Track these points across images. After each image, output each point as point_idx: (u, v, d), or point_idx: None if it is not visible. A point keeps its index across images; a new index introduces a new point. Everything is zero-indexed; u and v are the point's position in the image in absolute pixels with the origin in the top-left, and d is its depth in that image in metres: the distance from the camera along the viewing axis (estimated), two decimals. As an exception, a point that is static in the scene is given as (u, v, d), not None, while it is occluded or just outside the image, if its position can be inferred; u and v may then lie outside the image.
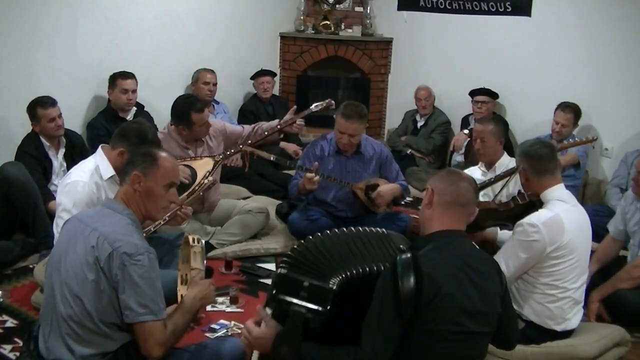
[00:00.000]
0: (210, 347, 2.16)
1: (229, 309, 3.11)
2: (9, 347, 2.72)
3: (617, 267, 3.16)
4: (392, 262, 1.78)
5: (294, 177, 3.93)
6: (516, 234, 2.57)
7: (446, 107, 5.86)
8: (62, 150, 3.97)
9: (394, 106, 6.46)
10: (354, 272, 1.84)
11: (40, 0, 4.07)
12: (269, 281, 3.43)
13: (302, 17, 6.30)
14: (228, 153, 3.80)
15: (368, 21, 6.32)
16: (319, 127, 6.10)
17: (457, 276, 1.81)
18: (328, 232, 1.92)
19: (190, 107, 3.68)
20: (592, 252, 2.84)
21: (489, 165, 3.63)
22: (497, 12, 5.54)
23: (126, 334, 1.99)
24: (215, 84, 5.10)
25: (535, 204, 2.68)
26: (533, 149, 2.70)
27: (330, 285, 1.78)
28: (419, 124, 5.79)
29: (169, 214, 2.85)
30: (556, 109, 4.67)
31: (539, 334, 2.57)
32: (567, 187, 2.76)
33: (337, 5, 6.40)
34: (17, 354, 2.57)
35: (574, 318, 2.63)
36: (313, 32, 6.30)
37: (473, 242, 2.02)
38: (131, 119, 4.38)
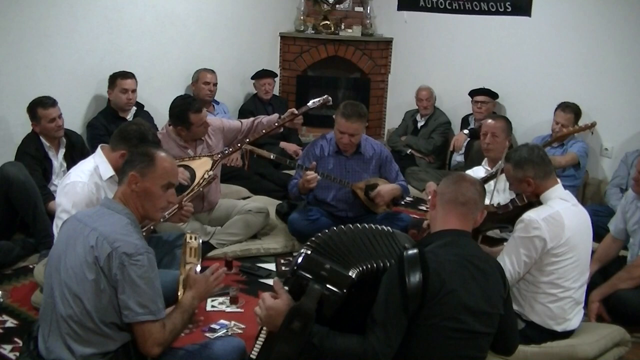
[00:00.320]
0: (210, 347, 2.16)
1: (229, 309, 3.11)
2: (9, 347, 2.72)
3: (617, 267, 3.16)
4: (398, 257, 1.81)
5: (293, 177, 3.93)
6: (517, 231, 2.57)
7: (446, 107, 5.86)
8: (62, 151, 3.97)
9: (394, 106, 6.46)
10: (370, 266, 1.88)
11: (40, 0, 4.07)
12: (269, 281, 3.43)
13: (302, 17, 6.30)
14: (226, 152, 3.79)
15: (368, 21, 6.32)
16: (319, 127, 6.10)
17: (461, 274, 1.84)
18: (335, 228, 1.97)
19: (188, 107, 3.67)
20: (593, 252, 2.84)
21: (494, 162, 3.63)
22: (497, 12, 5.54)
23: (126, 334, 1.99)
24: (215, 84, 5.10)
25: (534, 205, 2.68)
26: (534, 155, 2.65)
27: (350, 274, 1.84)
28: (419, 124, 5.79)
29: (168, 212, 2.85)
30: (556, 109, 4.67)
31: (540, 334, 2.57)
32: (567, 187, 2.76)
33: (337, 5, 6.40)
34: (17, 354, 2.57)
35: (574, 318, 2.63)
36: (313, 32, 6.30)
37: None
38: (131, 118, 4.38)
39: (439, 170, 5.49)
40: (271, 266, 3.68)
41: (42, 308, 2.06)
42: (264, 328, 1.93)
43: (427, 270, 1.76)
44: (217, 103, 5.28)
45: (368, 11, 6.32)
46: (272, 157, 3.78)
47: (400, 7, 6.23)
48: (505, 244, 2.69)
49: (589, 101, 4.83)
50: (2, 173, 3.54)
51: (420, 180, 5.23)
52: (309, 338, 1.76)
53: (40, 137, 3.84)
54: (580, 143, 4.60)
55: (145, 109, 4.69)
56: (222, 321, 2.98)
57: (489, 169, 3.64)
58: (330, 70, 6.50)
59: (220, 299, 3.17)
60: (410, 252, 1.80)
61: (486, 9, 5.60)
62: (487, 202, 3.09)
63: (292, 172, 4.73)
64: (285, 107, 5.74)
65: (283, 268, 3.67)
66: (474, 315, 1.83)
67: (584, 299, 2.72)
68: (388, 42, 6.39)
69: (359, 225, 2.03)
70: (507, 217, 2.78)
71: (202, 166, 3.62)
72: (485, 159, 3.81)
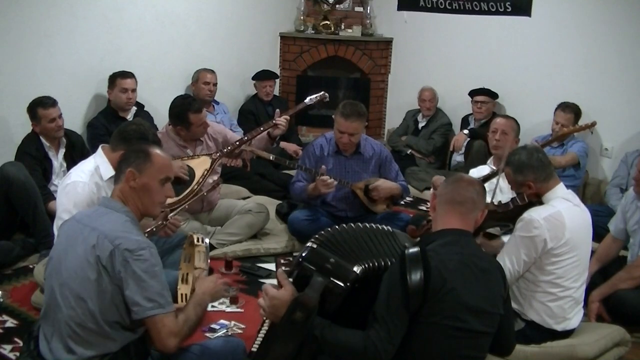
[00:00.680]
0: (210, 347, 2.16)
1: (229, 309, 3.11)
2: (9, 347, 2.72)
3: (617, 267, 3.16)
4: (400, 256, 1.81)
5: (295, 179, 3.93)
6: (517, 230, 2.57)
7: (446, 107, 5.86)
8: (62, 151, 3.97)
9: (394, 106, 6.46)
10: (373, 264, 1.89)
11: (40, 0, 4.07)
12: (269, 281, 3.43)
13: (302, 17, 6.30)
14: (225, 151, 3.79)
15: (368, 21, 6.32)
16: (319, 127, 6.11)
17: (463, 273, 1.85)
18: (337, 227, 2.00)
19: (188, 107, 3.68)
20: (593, 252, 2.84)
21: (500, 161, 3.61)
22: (497, 12, 5.54)
23: (129, 334, 1.99)
24: (215, 84, 5.10)
25: (535, 204, 2.68)
26: (534, 159, 2.64)
27: (355, 269, 1.85)
28: (420, 125, 5.79)
29: (155, 226, 2.84)
30: (556, 109, 4.68)
31: (539, 333, 2.57)
32: (567, 187, 2.75)
33: (337, 5, 6.40)
34: (17, 354, 2.57)
35: (574, 318, 2.62)
36: (313, 32, 6.30)
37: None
38: (131, 118, 4.38)
39: (439, 170, 5.48)
40: (271, 266, 3.68)
41: (44, 310, 2.06)
42: (266, 322, 1.93)
43: (429, 268, 1.78)
44: (217, 103, 5.28)
45: (368, 11, 6.32)
46: (271, 158, 3.78)
47: (400, 7, 6.23)
48: (505, 242, 2.69)
49: (589, 101, 4.83)
50: (2, 173, 3.54)
51: (420, 180, 5.23)
52: (310, 330, 1.77)
53: (40, 137, 3.84)
54: (580, 143, 4.60)
55: (145, 109, 4.69)
56: (222, 321, 2.98)
57: (495, 168, 3.61)
58: (330, 70, 6.50)
59: (220, 299, 3.17)
60: (411, 250, 1.82)
61: (486, 9, 5.61)
62: (488, 200, 3.10)
63: (292, 172, 4.74)
64: (285, 107, 5.75)
65: (283, 268, 3.67)
66: (475, 315, 1.83)
67: (584, 298, 2.72)
68: (388, 42, 6.39)
69: (360, 224, 2.05)
70: (507, 215, 2.78)
71: (200, 165, 3.62)
72: (491, 157, 3.80)
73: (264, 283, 3.39)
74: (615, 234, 3.31)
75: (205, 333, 2.84)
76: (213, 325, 2.92)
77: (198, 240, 2.24)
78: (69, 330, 1.95)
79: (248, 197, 4.60)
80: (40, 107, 3.75)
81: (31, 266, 3.46)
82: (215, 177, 3.82)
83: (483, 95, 5.34)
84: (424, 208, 4.87)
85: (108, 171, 2.85)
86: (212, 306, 3.11)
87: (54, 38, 4.19)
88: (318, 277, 1.82)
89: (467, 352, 1.86)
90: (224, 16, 5.58)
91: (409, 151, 5.67)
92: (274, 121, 3.91)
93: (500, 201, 2.94)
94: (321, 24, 6.27)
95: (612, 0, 4.84)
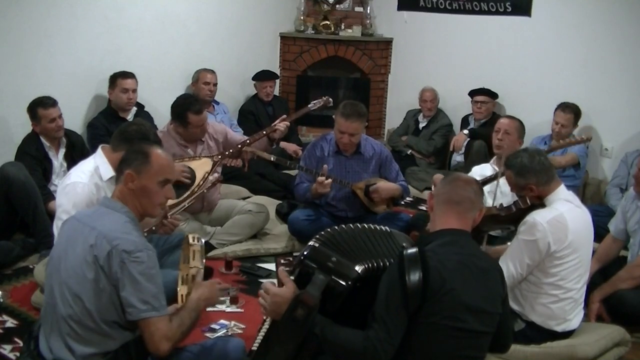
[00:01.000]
0: (210, 347, 2.16)
1: (229, 309, 3.11)
2: (9, 347, 2.71)
3: (617, 268, 3.16)
4: (398, 256, 1.81)
5: (297, 180, 3.93)
6: (520, 233, 2.56)
7: (446, 107, 5.86)
8: (62, 151, 3.97)
9: (394, 106, 6.46)
10: (374, 264, 1.89)
11: (40, 0, 4.07)
12: (268, 281, 3.43)
13: (302, 17, 6.30)
14: (227, 153, 3.80)
15: (368, 21, 6.32)
16: (319, 127, 6.11)
17: (461, 273, 1.84)
18: (336, 227, 2.00)
19: (189, 106, 3.69)
20: (593, 252, 2.84)
21: (501, 163, 3.60)
22: (497, 12, 5.54)
23: (128, 333, 1.99)
24: (215, 84, 5.10)
25: (537, 207, 2.67)
26: (535, 162, 2.63)
27: (357, 268, 1.85)
28: (421, 125, 5.79)
29: (155, 225, 2.83)
30: (556, 109, 4.68)
31: (539, 334, 2.57)
32: (567, 187, 2.75)
33: (337, 5, 6.40)
34: (17, 354, 2.57)
35: (575, 319, 2.62)
36: (313, 32, 6.30)
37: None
38: (131, 119, 4.38)
39: (439, 170, 5.47)
40: (271, 266, 3.68)
41: (44, 308, 2.06)
42: (266, 322, 1.93)
43: (427, 268, 1.77)
44: (217, 103, 5.28)
45: (368, 11, 6.32)
46: (272, 158, 3.78)
47: (400, 7, 6.23)
48: (508, 245, 2.69)
49: (589, 101, 4.83)
50: (2, 173, 3.54)
51: (420, 180, 5.23)
52: (311, 328, 1.77)
53: (41, 137, 3.84)
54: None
55: (145, 109, 4.69)
56: (222, 321, 2.98)
57: (497, 168, 3.60)
58: (330, 70, 6.50)
59: (220, 299, 3.17)
60: (410, 250, 1.81)
61: (486, 9, 5.61)
62: (490, 203, 3.10)
63: (292, 172, 4.74)
64: (285, 107, 5.76)
65: (283, 268, 3.66)
66: (474, 315, 1.83)
67: (584, 299, 2.72)
68: (388, 42, 6.39)
69: (358, 224, 2.05)
70: (510, 218, 2.78)
71: (201, 167, 3.62)
72: (494, 157, 3.80)
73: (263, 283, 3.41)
74: (616, 234, 3.30)
75: (205, 333, 2.84)
76: (213, 325, 2.92)
77: (193, 240, 2.25)
78: (67, 328, 1.95)
79: (248, 197, 4.60)
80: (41, 107, 3.75)
81: (31, 266, 3.46)
82: (216, 175, 3.81)
83: (483, 95, 5.34)
84: (423, 208, 4.87)
85: (108, 172, 2.85)
86: (212, 306, 3.11)
87: (54, 38, 4.19)
88: (320, 275, 1.83)
89: (467, 352, 1.86)
90: (224, 16, 5.58)
91: (409, 151, 5.67)
92: (275, 125, 3.92)
93: (502, 204, 2.94)
94: (321, 24, 6.27)
95: (612, 0, 4.84)
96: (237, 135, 4.19)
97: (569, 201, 2.62)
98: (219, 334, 2.84)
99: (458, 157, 5.29)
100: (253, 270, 3.60)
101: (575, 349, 2.52)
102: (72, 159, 3.86)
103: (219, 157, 3.74)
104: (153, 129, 3.09)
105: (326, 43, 6.26)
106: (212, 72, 5.11)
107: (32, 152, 3.79)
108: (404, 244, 2.02)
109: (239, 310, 3.11)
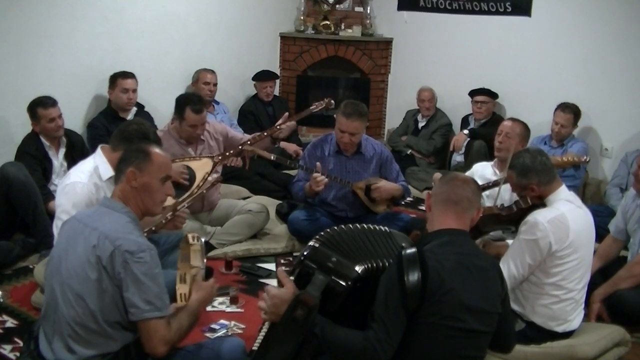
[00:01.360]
0: (209, 347, 2.16)
1: (229, 309, 3.11)
2: (9, 347, 2.71)
3: (617, 268, 3.15)
4: (397, 256, 1.81)
5: (296, 179, 3.93)
6: (521, 233, 2.56)
7: (446, 107, 5.86)
8: (62, 150, 3.97)
9: (394, 106, 6.46)
10: (374, 264, 1.89)
11: (40, 0, 4.07)
12: (269, 281, 3.43)
13: (302, 17, 6.30)
14: (227, 154, 3.80)
15: (368, 21, 6.32)
16: (319, 127, 6.11)
17: (460, 272, 1.84)
18: (336, 227, 2.00)
19: (189, 102, 3.70)
20: (593, 252, 2.83)
21: (503, 163, 3.59)
22: (497, 12, 5.54)
23: (129, 334, 1.99)
24: (215, 84, 5.10)
25: (538, 207, 2.67)
26: (537, 162, 2.63)
27: (357, 268, 1.85)
28: (420, 125, 5.79)
29: (164, 220, 2.83)
30: (556, 110, 4.67)
31: (540, 334, 2.57)
32: (567, 187, 2.75)
33: (337, 5, 6.40)
34: (17, 354, 2.57)
35: (575, 319, 2.62)
36: (313, 32, 6.30)
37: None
38: (131, 119, 4.38)
39: (439, 170, 5.48)
40: (271, 266, 3.68)
41: (44, 309, 2.06)
42: (266, 323, 1.93)
43: (426, 268, 1.77)
44: (217, 103, 5.28)
45: (368, 11, 6.32)
46: (272, 158, 3.78)
47: (400, 7, 6.23)
48: (507, 242, 2.69)
49: (589, 101, 4.83)
50: (2, 173, 3.54)
51: (420, 180, 5.23)
52: (311, 328, 1.77)
53: (40, 137, 3.84)
54: (580, 143, 4.60)
55: (145, 109, 4.69)
56: (222, 321, 2.98)
57: (498, 171, 3.59)
58: (330, 70, 6.50)
59: (220, 299, 3.17)
60: (408, 250, 1.81)
61: (486, 9, 5.60)
62: (491, 204, 3.10)
63: (292, 172, 4.74)
64: (285, 107, 5.75)
65: (283, 268, 3.67)
66: (473, 314, 1.83)
67: (585, 299, 2.72)
68: (388, 42, 6.39)
69: (358, 225, 2.05)
70: (511, 218, 2.78)
71: (202, 167, 3.62)
72: (496, 160, 3.78)
73: (263, 283, 3.41)
74: (616, 234, 3.30)
75: (205, 333, 2.84)
76: (213, 325, 2.92)
77: (193, 239, 2.25)
78: (69, 329, 1.95)
79: (248, 197, 4.60)
80: (40, 107, 3.75)
81: (31, 266, 3.46)
82: (215, 176, 3.82)
83: (483, 95, 5.34)
84: (423, 208, 4.86)
85: (107, 171, 2.85)
86: (212, 306, 3.11)
87: (54, 38, 4.19)
88: (319, 276, 1.83)
89: (467, 352, 1.86)
90: (224, 16, 5.58)
91: (409, 151, 5.67)
92: (278, 126, 3.93)
93: (502, 204, 2.93)
94: (321, 24, 6.27)
95: (612, 0, 4.84)
96: (238, 134, 4.19)
97: (570, 201, 2.62)
98: (219, 334, 2.84)
99: (458, 157, 5.29)
100: (253, 270, 3.60)
101: (575, 349, 2.52)
102: (72, 159, 3.86)
103: (220, 157, 3.74)
104: (153, 128, 3.09)
105: (326, 43, 6.26)
106: (212, 72, 5.11)
107: (32, 152, 3.79)
108: (403, 244, 2.01)
109: (239, 310, 3.11)
